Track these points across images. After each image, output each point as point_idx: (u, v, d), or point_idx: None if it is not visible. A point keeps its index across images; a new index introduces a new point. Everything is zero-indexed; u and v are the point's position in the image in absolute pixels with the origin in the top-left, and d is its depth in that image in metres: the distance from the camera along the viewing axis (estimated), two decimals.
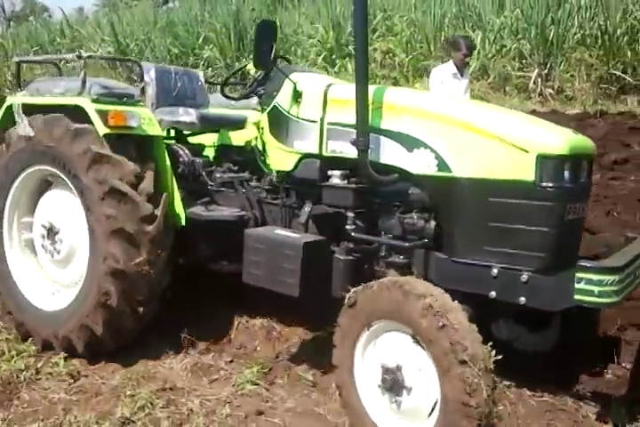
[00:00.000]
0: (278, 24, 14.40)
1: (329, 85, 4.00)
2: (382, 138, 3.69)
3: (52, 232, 4.46)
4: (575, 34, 12.77)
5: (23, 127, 4.30)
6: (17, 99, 4.43)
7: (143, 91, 4.37)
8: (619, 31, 12.36)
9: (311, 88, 4.05)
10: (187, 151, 4.59)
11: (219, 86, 4.72)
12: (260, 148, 4.33)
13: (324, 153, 3.93)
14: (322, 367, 4.19)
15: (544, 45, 12.77)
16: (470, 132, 3.44)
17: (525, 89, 12.79)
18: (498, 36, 13.33)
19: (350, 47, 14.05)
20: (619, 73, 12.14)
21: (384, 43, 13.89)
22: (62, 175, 4.28)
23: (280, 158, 4.16)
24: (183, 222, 4.29)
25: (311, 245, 3.77)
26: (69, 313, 4.33)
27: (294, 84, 4.02)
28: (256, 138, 4.40)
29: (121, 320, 4.21)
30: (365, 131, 3.58)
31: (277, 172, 4.24)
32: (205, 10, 15.09)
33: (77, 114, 4.16)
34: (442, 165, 3.49)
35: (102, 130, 4.06)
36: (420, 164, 3.57)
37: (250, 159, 4.66)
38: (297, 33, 14.38)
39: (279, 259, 3.79)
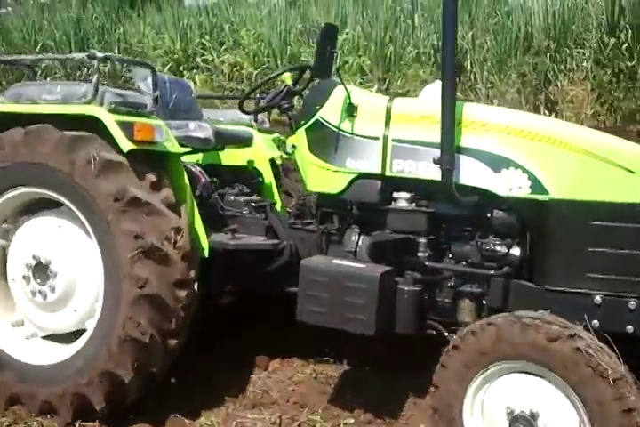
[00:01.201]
0: (122, 33, 13.65)
1: (392, 99, 3.37)
2: (463, 157, 3.14)
3: (41, 269, 3.42)
4: (411, 52, 12.85)
5: None
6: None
7: (157, 101, 3.44)
8: None
9: (369, 102, 3.40)
10: (202, 172, 3.72)
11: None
12: (293, 167, 3.60)
13: (388, 173, 3.29)
14: None
15: (383, 62, 12.78)
16: (570, 152, 3.02)
17: None
18: (340, 52, 13.05)
19: (198, 59, 13.22)
20: None
21: (232, 55, 13.19)
22: (70, 205, 3.29)
23: (324, 179, 3.44)
24: (207, 254, 3.46)
25: (386, 276, 3.14)
26: (60, 376, 3.34)
27: (348, 96, 3.34)
28: (280, 157, 3.66)
29: (125, 392, 3.30)
30: (451, 148, 3.04)
31: (317, 194, 3.54)
32: (44, 17, 13.45)
33: (81, 125, 3.23)
34: (536, 186, 3.03)
35: (126, 146, 3.15)
36: (509, 185, 3.08)
37: (257, 180, 3.94)
38: (142, 43, 13.20)
39: (348, 293, 3.12)
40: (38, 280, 3.42)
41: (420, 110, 3.30)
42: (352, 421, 3.44)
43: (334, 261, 3.29)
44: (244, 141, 4.06)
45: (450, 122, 3.02)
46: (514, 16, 12.53)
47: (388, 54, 12.71)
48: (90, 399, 3.25)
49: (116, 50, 13.16)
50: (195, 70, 13.23)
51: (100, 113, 3.18)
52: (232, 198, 3.84)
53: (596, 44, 11.92)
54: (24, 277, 3.48)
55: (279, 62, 13.08)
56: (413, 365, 3.74)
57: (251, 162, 4.06)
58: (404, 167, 3.26)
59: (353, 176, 3.36)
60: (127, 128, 3.15)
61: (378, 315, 3.09)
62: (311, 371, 3.97)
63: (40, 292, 3.46)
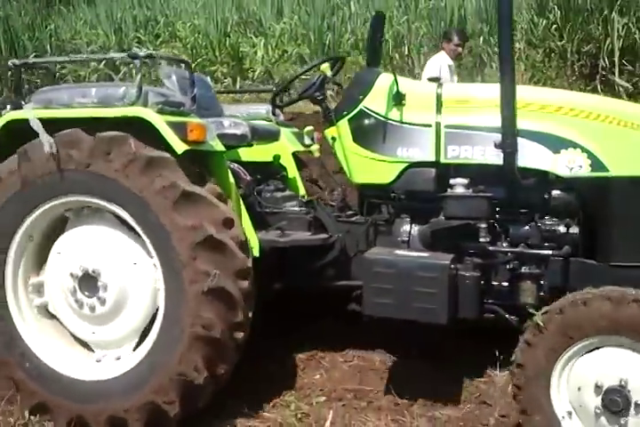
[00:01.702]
0: (53, 30, 13.00)
1: (440, 85, 3.28)
2: (522, 140, 3.08)
3: (92, 283, 3.17)
4: (349, 39, 12.76)
5: (47, 144, 3.00)
6: (31, 112, 3.04)
7: (194, 99, 3.23)
8: (386, 36, 12.58)
9: (418, 89, 3.32)
10: (242, 169, 3.53)
11: None
12: (337, 159, 3.46)
13: (443, 160, 3.22)
14: None
15: (322, 50, 12.60)
16: (628, 130, 3.05)
17: None
18: (279, 42, 12.89)
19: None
20: None
21: (168, 48, 12.78)
22: (130, 219, 3.06)
23: (372, 169, 3.33)
24: (257, 253, 3.28)
25: (453, 263, 3.07)
26: (123, 389, 3.12)
27: (396, 84, 3.23)
28: (318, 149, 3.53)
29: (198, 395, 3.12)
30: (513, 132, 2.99)
31: (364, 185, 3.42)
32: None
33: (121, 127, 3.01)
34: (596, 164, 3.02)
35: (180, 147, 2.95)
36: (569, 165, 3.06)
37: (282, 174, 3.81)
38: (75, 38, 12.61)
39: (418, 283, 3.04)
40: (86, 293, 3.17)
41: (472, 95, 3.24)
42: (324, 399, 3.48)
43: (397, 251, 3.19)
44: (274, 136, 3.90)
45: (510, 106, 2.96)
46: (447, 0, 12.59)
47: (327, 42, 12.57)
48: (163, 408, 3.03)
49: (49, 47, 12.56)
50: (131, 65, 12.77)
51: (149, 115, 2.97)
52: (269, 195, 3.68)
53: (526, 24, 12.12)
54: (71, 275, 3.20)
55: (217, 54, 12.78)
56: (382, 344, 3.87)
57: (277, 157, 3.90)
58: (459, 153, 3.19)
59: (405, 165, 3.27)
60: (180, 129, 2.96)
61: (449, 303, 3.03)
62: (280, 354, 3.95)
63: (78, 300, 3.21)
